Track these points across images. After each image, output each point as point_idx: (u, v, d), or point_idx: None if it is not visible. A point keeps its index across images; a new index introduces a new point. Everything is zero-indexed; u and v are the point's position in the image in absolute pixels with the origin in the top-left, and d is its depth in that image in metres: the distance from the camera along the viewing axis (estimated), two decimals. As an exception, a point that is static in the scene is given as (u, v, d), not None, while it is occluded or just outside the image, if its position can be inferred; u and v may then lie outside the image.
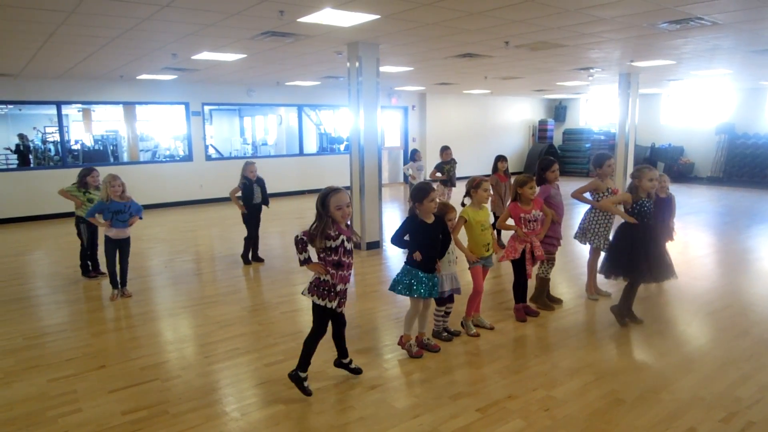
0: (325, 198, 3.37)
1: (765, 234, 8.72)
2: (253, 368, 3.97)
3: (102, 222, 5.55)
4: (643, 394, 3.52)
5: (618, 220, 4.77)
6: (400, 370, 3.93)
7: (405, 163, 10.28)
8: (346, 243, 3.43)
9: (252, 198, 6.88)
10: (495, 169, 7.62)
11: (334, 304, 3.45)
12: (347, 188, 8.11)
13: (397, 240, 3.99)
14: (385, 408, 3.38)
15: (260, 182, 6.97)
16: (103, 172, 6.17)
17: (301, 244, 3.38)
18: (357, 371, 3.81)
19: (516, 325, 4.75)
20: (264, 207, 7.05)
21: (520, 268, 4.75)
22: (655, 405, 3.37)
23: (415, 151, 10.28)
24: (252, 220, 6.98)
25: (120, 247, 5.62)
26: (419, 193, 3.90)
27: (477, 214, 4.44)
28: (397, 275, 4.04)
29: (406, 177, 10.61)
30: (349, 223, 3.50)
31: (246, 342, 4.46)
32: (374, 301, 5.51)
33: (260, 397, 3.55)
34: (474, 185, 4.50)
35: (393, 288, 4.02)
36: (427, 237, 3.94)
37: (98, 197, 5.83)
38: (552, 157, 5.40)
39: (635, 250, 4.52)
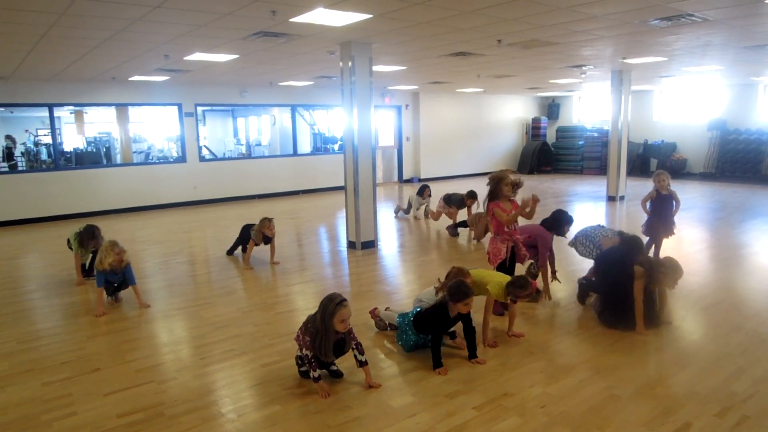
0: (333, 311, 3.40)
1: (758, 229, 8.77)
2: (249, 369, 3.96)
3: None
4: (639, 389, 3.53)
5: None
6: (396, 369, 3.93)
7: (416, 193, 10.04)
8: None
9: None
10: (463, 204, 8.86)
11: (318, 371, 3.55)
12: (341, 188, 8.15)
13: (421, 328, 4.05)
14: (381, 407, 3.38)
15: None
16: (97, 173, 6.10)
17: (314, 361, 3.48)
18: (338, 374, 3.79)
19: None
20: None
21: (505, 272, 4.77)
22: (651, 400, 3.38)
23: (424, 188, 9.88)
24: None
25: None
26: (458, 295, 3.84)
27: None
28: (402, 328, 4.19)
29: (408, 207, 10.23)
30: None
31: (241, 343, 4.45)
32: (369, 300, 5.50)
33: (256, 398, 3.55)
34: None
35: (400, 340, 4.23)
36: (444, 326, 3.98)
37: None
38: (568, 214, 5.47)
39: (612, 288, 4.64)
